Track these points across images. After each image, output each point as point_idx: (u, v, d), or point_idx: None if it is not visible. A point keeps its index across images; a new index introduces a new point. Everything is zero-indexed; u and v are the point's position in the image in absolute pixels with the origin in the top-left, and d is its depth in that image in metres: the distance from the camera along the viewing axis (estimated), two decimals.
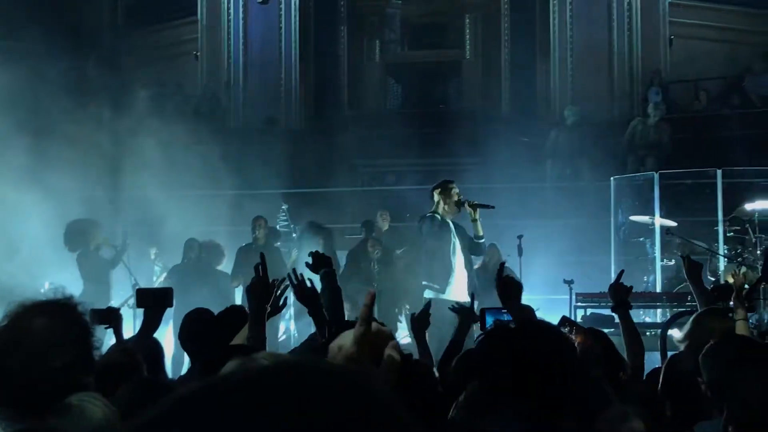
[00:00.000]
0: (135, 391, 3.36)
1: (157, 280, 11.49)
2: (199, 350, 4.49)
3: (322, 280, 5.04)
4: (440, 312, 6.61)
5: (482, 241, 8.88)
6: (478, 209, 8.71)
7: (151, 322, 4.68)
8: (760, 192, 11.30)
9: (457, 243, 8.86)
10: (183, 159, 12.49)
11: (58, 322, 2.53)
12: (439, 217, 8.81)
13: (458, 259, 8.86)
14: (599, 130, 14.61)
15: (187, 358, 10.10)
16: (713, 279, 9.90)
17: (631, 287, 4.76)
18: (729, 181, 11.62)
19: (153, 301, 4.74)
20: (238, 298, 10.67)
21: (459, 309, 5.55)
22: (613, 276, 11.39)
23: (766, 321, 8.46)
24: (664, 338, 6.23)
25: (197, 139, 13.36)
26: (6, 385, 2.52)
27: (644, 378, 4.59)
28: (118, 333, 4.91)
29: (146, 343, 4.45)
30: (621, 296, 4.59)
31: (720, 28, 17.21)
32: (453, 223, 8.90)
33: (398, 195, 13.87)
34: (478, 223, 8.72)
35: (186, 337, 4.84)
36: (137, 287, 7.95)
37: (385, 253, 10.99)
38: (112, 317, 4.87)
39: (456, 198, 8.84)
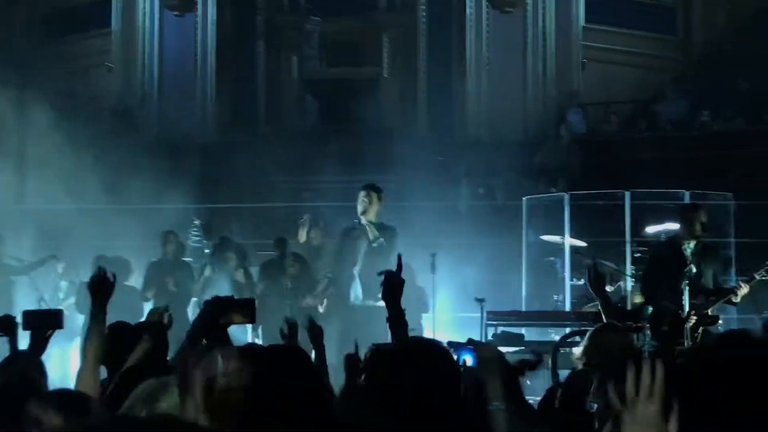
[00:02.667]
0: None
1: (66, 300, 11.20)
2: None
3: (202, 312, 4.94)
4: None
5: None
6: None
7: (38, 345, 4.56)
8: (667, 214, 11.57)
9: None
10: (93, 172, 12.26)
11: None
12: None
13: None
14: (513, 150, 14.81)
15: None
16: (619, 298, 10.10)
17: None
18: (637, 202, 11.87)
19: (40, 323, 4.63)
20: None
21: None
22: (524, 294, 11.65)
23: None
24: (555, 357, 6.31)
25: (109, 152, 13.14)
26: None
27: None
28: (13, 342, 4.82)
29: (33, 365, 4.36)
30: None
31: (631, 52, 17.64)
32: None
33: (314, 212, 13.83)
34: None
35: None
36: (25, 309, 7.72)
37: (302, 270, 10.75)
38: (7, 326, 4.77)
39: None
